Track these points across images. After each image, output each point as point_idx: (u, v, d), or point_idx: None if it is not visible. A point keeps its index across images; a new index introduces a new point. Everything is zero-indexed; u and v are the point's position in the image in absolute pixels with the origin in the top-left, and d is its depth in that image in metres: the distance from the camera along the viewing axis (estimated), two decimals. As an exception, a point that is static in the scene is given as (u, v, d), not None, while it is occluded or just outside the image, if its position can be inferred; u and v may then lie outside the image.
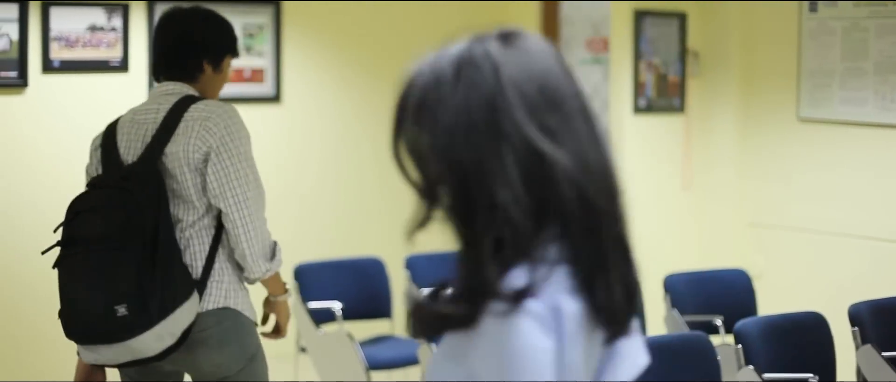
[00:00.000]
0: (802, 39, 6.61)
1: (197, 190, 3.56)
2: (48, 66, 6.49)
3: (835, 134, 6.49)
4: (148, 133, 3.63)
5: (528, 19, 7.85)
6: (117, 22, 6.65)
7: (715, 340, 4.80)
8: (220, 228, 3.59)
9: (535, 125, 1.75)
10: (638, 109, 6.93)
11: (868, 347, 4.83)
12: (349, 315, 5.82)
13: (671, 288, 5.57)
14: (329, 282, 5.88)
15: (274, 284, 3.77)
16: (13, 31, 6.33)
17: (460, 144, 1.76)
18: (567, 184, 1.75)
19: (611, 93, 7.06)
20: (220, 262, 3.60)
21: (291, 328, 6.20)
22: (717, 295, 5.62)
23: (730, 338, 4.96)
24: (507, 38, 1.80)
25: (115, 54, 6.67)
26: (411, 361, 5.56)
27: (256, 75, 7.15)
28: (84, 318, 3.50)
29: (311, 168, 7.32)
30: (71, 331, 3.58)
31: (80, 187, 6.84)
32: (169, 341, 3.46)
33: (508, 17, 7.96)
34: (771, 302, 6.09)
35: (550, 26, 7.79)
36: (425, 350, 4.99)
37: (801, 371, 4.48)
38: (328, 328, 5.73)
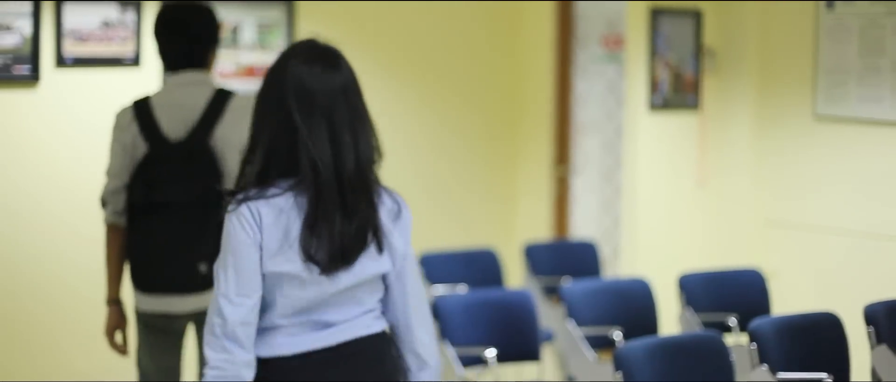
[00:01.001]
0: (819, 37, 6.57)
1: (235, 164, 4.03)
2: (61, 62, 6.49)
3: (851, 132, 6.46)
4: (190, 116, 4.24)
5: (543, 15, 7.82)
6: (130, 17, 6.65)
7: (729, 339, 4.78)
8: None
9: (284, 113, 2.91)
10: (653, 107, 6.90)
11: (883, 347, 4.80)
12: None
13: (685, 286, 5.56)
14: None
15: None
16: (26, 26, 6.33)
17: (257, 106, 2.98)
18: (299, 155, 2.89)
19: (626, 90, 7.03)
20: None
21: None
22: (731, 294, 5.61)
23: (744, 338, 4.94)
24: (311, 55, 3.06)
25: (127, 50, 6.67)
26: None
27: (270, 71, 7.15)
28: (167, 272, 4.13)
29: (325, 164, 7.32)
30: (147, 283, 4.19)
31: (91, 181, 6.83)
32: None
33: (523, 13, 7.93)
34: (785, 302, 6.07)
35: (565, 22, 7.76)
36: (439, 347, 4.98)
37: (815, 371, 4.45)
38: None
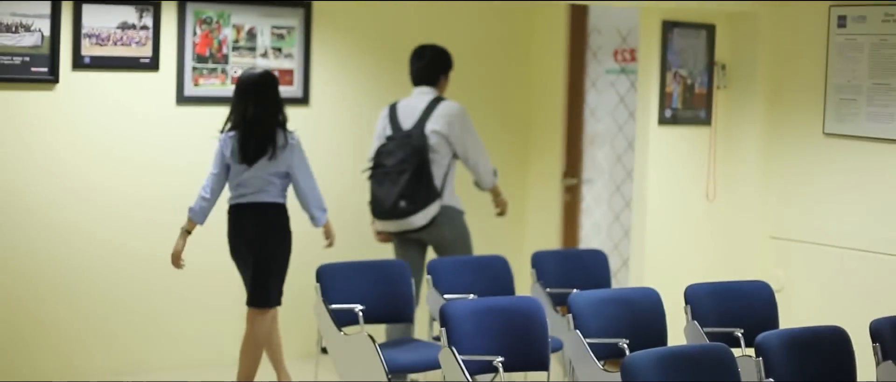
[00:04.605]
0: (830, 54, 6.60)
1: (441, 146, 6.53)
2: (79, 63, 6.54)
3: (860, 149, 6.49)
4: (415, 113, 6.59)
5: (556, 28, 7.86)
6: (148, 20, 6.70)
7: (735, 352, 4.80)
8: (448, 166, 6.57)
9: (237, 100, 6.15)
10: (663, 120, 6.93)
11: (889, 363, 4.83)
12: (371, 317, 5.83)
13: (692, 299, 5.55)
14: (352, 284, 5.89)
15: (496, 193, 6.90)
16: (45, 27, 6.38)
17: (233, 98, 6.22)
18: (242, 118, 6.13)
19: (637, 103, 7.06)
20: (450, 182, 6.60)
21: (313, 329, 6.25)
22: (738, 308, 5.60)
23: (750, 351, 4.96)
24: (248, 74, 6.21)
25: (145, 52, 6.72)
26: (432, 365, 5.57)
27: (285, 77, 7.19)
28: (383, 206, 6.52)
29: (338, 170, 7.35)
30: (376, 212, 6.58)
31: (106, 182, 6.87)
32: (423, 222, 6.51)
33: (537, 24, 7.98)
34: (792, 316, 6.09)
35: (578, 35, 7.80)
36: (446, 354, 5.00)
37: (821, 385, 4.48)
38: (350, 330, 5.75)
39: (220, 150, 6.09)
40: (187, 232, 6.15)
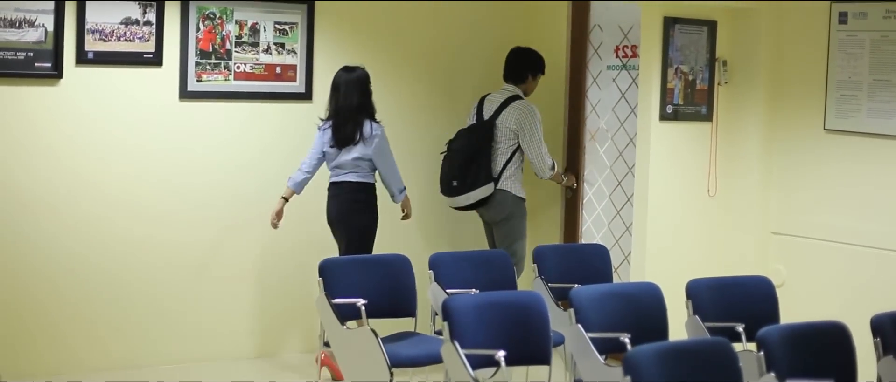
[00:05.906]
0: (831, 50, 6.62)
1: (508, 137, 7.21)
2: (82, 58, 6.55)
3: (861, 145, 6.51)
4: (494, 106, 7.25)
5: (557, 24, 7.87)
6: (151, 16, 6.71)
7: (736, 347, 4.81)
8: (512, 155, 7.20)
9: (332, 91, 6.96)
10: (665, 116, 6.94)
11: (889, 358, 4.84)
12: (373, 312, 5.84)
13: (693, 294, 5.57)
14: (354, 279, 5.91)
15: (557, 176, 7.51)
16: (49, 23, 6.40)
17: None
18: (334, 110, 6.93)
19: (639, 99, 7.08)
20: (510, 169, 7.21)
21: (316, 323, 6.27)
22: (739, 303, 5.62)
23: (751, 346, 4.98)
24: (344, 69, 6.98)
25: (148, 48, 6.74)
26: (434, 359, 5.59)
27: (287, 72, 7.20)
28: (442, 182, 7.28)
29: (339, 165, 7.37)
30: (441, 188, 7.33)
31: (110, 177, 6.88)
32: (466, 203, 7.23)
33: (538, 20, 7.98)
34: (793, 311, 6.11)
35: (580, 31, 7.81)
36: (449, 349, 5.02)
37: (822, 380, 4.49)
38: (352, 324, 5.77)
39: (318, 136, 6.91)
40: (285, 199, 6.95)
